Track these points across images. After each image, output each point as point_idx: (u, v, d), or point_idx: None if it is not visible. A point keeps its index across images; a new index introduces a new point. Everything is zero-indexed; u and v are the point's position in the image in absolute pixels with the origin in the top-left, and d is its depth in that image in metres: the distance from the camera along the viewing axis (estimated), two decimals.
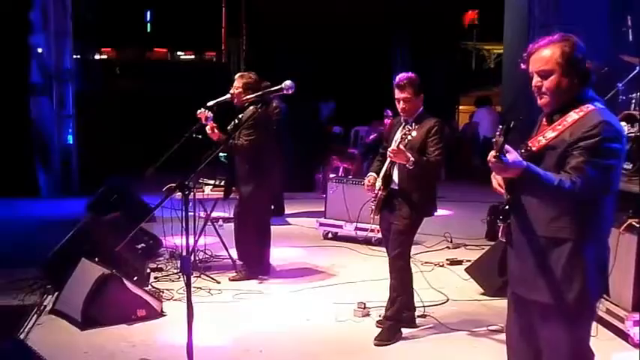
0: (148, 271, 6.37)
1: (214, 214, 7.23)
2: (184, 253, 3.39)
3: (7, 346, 4.17)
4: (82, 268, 5.32)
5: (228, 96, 6.31)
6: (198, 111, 6.17)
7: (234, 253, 6.66)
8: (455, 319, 5.34)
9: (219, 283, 6.26)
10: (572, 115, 2.76)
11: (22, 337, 4.80)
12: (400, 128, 4.85)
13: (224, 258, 6.92)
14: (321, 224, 8.37)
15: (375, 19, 15.00)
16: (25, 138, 11.26)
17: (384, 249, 5.51)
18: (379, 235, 7.21)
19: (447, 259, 7.09)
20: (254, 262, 6.46)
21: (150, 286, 5.94)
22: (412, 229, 4.90)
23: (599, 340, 4.60)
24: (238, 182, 6.40)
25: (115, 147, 12.10)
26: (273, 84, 4.48)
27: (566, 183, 2.65)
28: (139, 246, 6.54)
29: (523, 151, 2.80)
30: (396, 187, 4.84)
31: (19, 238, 7.83)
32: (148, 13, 19.75)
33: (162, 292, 5.83)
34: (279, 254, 7.19)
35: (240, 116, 6.21)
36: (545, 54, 2.79)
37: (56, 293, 5.51)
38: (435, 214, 5.06)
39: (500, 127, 2.66)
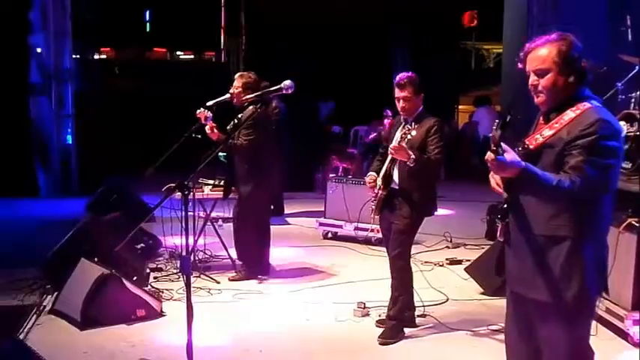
0: (148, 271, 6.37)
1: (214, 214, 7.22)
2: (184, 253, 3.39)
3: (7, 346, 4.17)
4: (82, 268, 5.32)
5: (227, 96, 6.31)
6: (198, 111, 6.17)
7: (233, 253, 6.66)
8: (455, 318, 5.34)
9: (218, 283, 6.26)
10: (569, 114, 2.77)
11: (21, 337, 4.80)
12: (400, 127, 4.86)
13: (224, 258, 6.92)
14: (321, 224, 8.37)
15: (375, 19, 14.99)
16: (24, 138, 11.26)
17: (383, 249, 5.52)
18: (379, 235, 7.21)
19: (446, 259, 7.09)
20: (254, 262, 6.46)
21: (149, 286, 5.94)
22: (413, 229, 4.90)
23: (599, 339, 4.61)
24: (238, 182, 6.40)
25: (115, 147, 12.09)
26: (272, 84, 4.48)
27: (565, 183, 2.66)
28: (139, 246, 6.54)
29: (520, 149, 2.81)
30: (397, 187, 4.85)
31: (19, 238, 7.83)
32: (147, 13, 19.72)
33: (162, 292, 5.83)
34: (278, 254, 7.19)
35: (239, 116, 6.22)
36: (542, 53, 2.81)
37: (56, 293, 5.51)
38: (435, 213, 5.06)
39: (497, 121, 2.68)
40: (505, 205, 2.91)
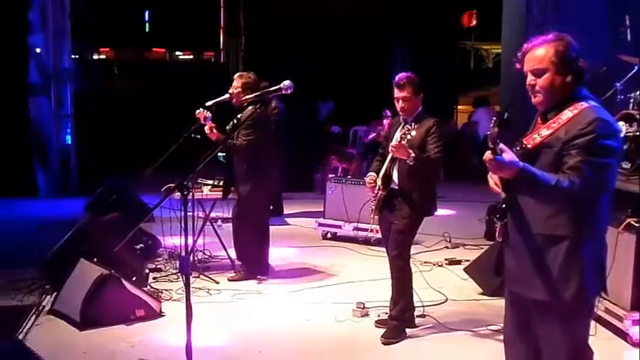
0: (147, 271, 6.37)
1: (213, 215, 7.22)
2: (183, 254, 3.39)
3: (6, 346, 4.17)
4: (81, 269, 5.32)
5: (226, 96, 6.31)
6: (197, 111, 6.17)
7: (232, 254, 6.66)
8: (454, 318, 5.34)
9: (218, 283, 6.26)
10: (567, 113, 2.78)
11: (20, 337, 4.79)
12: (400, 128, 4.86)
13: (223, 258, 6.92)
14: (320, 224, 8.37)
15: (374, 19, 14.99)
16: (23, 138, 11.25)
17: (383, 249, 5.52)
18: (378, 235, 7.20)
19: (445, 259, 7.09)
20: (253, 262, 6.46)
21: (149, 287, 5.94)
22: (412, 229, 4.90)
23: (598, 339, 4.62)
24: (237, 182, 6.40)
25: (114, 147, 12.08)
26: (271, 84, 4.48)
27: (564, 183, 2.66)
28: (138, 246, 6.53)
29: (518, 148, 2.82)
30: (396, 187, 4.85)
31: (18, 238, 7.82)
32: (147, 13, 19.74)
33: (161, 293, 5.82)
34: (277, 254, 7.19)
35: (238, 116, 6.22)
36: (539, 53, 2.82)
37: (55, 293, 5.51)
38: (435, 213, 5.07)
39: (494, 118, 2.68)
40: (504, 206, 2.91)
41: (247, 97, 5.95)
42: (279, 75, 4.60)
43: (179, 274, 6.20)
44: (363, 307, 5.39)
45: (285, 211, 9.86)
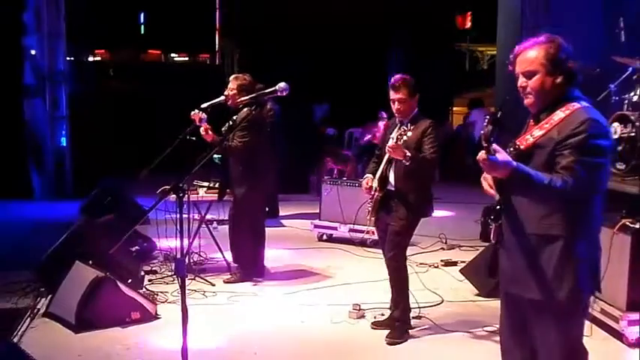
0: (143, 273, 6.35)
1: (209, 217, 7.21)
2: (179, 256, 3.39)
3: (1, 349, 4.16)
4: (76, 271, 5.30)
5: (222, 98, 6.31)
6: (192, 112, 6.17)
7: (228, 256, 6.65)
8: (450, 320, 5.34)
9: (213, 285, 6.25)
10: (559, 114, 2.81)
11: (15, 340, 4.78)
12: (396, 129, 4.86)
13: (218, 260, 6.91)
14: (316, 226, 8.37)
15: (369, 21, 15.00)
16: (18, 140, 11.22)
17: (378, 250, 5.52)
18: (374, 237, 7.20)
19: (441, 260, 7.09)
20: (248, 264, 6.45)
21: (144, 289, 5.92)
22: (409, 230, 4.91)
23: (594, 339, 4.63)
24: (232, 184, 6.40)
25: (109, 149, 12.08)
26: (267, 86, 4.48)
27: (557, 182, 2.68)
28: (133, 248, 6.52)
29: (511, 149, 2.85)
30: (392, 188, 4.85)
31: (13, 241, 7.80)
32: (142, 15, 19.72)
33: (157, 295, 5.81)
34: (273, 256, 7.18)
35: (234, 118, 6.21)
36: (530, 55, 2.86)
37: (50, 296, 5.49)
38: (432, 214, 5.08)
39: (488, 117, 2.70)
40: (498, 207, 2.92)
41: (243, 98, 5.93)
42: (274, 77, 4.60)
43: (175, 276, 6.18)
44: (359, 309, 5.38)
45: (281, 213, 9.86)
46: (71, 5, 11.80)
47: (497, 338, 3.28)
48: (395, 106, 4.87)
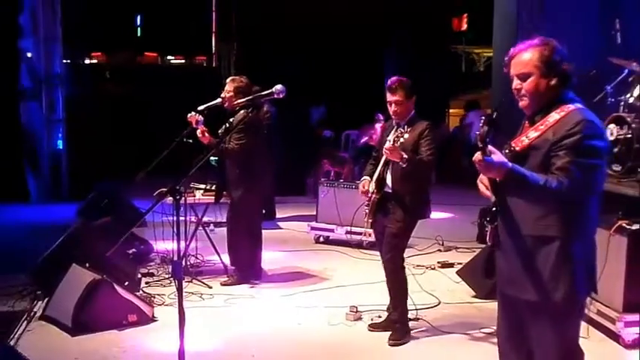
0: (139, 276, 6.35)
1: (205, 219, 7.21)
2: (176, 258, 3.38)
3: None
4: (73, 274, 5.29)
5: (219, 100, 6.31)
6: (189, 115, 6.17)
7: (225, 258, 6.64)
8: (447, 321, 5.35)
9: (210, 287, 6.24)
10: (554, 115, 2.82)
11: (12, 343, 4.77)
12: (392, 131, 4.86)
13: (215, 263, 6.91)
14: (313, 228, 8.36)
15: (366, 23, 15.02)
16: (14, 143, 11.20)
17: (375, 252, 5.53)
18: (371, 239, 7.20)
19: (438, 262, 7.10)
20: (245, 267, 6.45)
21: (141, 292, 5.92)
22: (406, 232, 4.91)
23: (590, 341, 4.65)
24: (229, 186, 6.39)
25: (106, 151, 12.06)
26: (263, 88, 4.48)
27: (552, 183, 2.70)
28: (130, 251, 6.52)
29: (507, 151, 2.86)
30: (390, 190, 4.86)
31: (9, 244, 7.78)
32: (138, 18, 19.71)
33: (154, 297, 5.80)
34: (270, 258, 7.18)
35: (230, 120, 6.21)
36: (525, 57, 2.88)
37: (46, 299, 5.48)
38: (430, 216, 5.08)
39: (483, 117, 2.71)
40: (494, 209, 2.93)
41: (239, 101, 5.93)
42: (271, 79, 4.60)
43: (171, 278, 6.18)
44: (356, 311, 5.38)
45: (278, 215, 9.85)
46: (67, 8, 11.79)
47: (495, 340, 3.28)
48: (392, 108, 4.88)
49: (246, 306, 5.83)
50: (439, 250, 7.79)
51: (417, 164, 4.69)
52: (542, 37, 2.92)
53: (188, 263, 6.66)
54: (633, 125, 6.00)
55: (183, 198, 5.61)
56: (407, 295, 5.04)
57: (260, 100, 4.60)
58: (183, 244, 5.93)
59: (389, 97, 4.86)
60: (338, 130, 14.29)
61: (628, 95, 6.45)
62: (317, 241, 8.35)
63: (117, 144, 12.74)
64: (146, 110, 14.53)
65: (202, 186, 6.93)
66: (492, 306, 3.36)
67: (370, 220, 4.96)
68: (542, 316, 2.88)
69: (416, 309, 5.33)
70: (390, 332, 4.98)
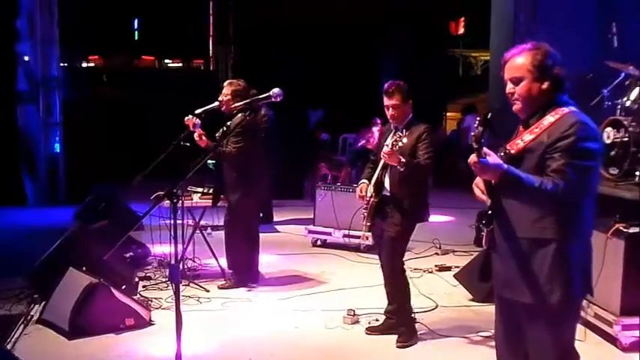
0: (137, 279, 6.34)
1: (203, 222, 7.20)
2: (173, 262, 3.38)
3: None
4: (70, 277, 5.29)
5: (216, 103, 6.31)
6: (186, 118, 6.17)
7: (223, 262, 6.64)
8: (444, 325, 5.35)
9: (208, 291, 6.23)
10: (549, 118, 2.84)
11: (9, 347, 4.76)
12: (391, 135, 4.87)
13: (213, 266, 6.90)
14: (310, 231, 8.36)
15: (363, 27, 15.03)
16: (11, 146, 11.19)
17: (373, 256, 5.53)
18: (368, 242, 7.21)
19: (435, 266, 7.10)
20: (243, 270, 6.45)
21: (138, 295, 5.91)
22: (404, 236, 4.91)
23: (587, 344, 4.65)
24: (226, 190, 6.39)
25: (103, 155, 12.05)
26: (261, 92, 4.49)
27: (548, 185, 2.71)
28: (127, 254, 6.51)
29: (502, 154, 2.88)
30: (388, 194, 4.86)
31: (5, 247, 7.77)
32: (136, 21, 19.72)
33: (151, 301, 5.80)
34: (267, 262, 7.18)
35: (228, 123, 6.21)
36: (518, 62, 2.90)
37: (43, 303, 5.47)
38: (429, 219, 5.09)
39: (478, 119, 2.73)
40: (489, 212, 2.94)
41: (237, 104, 5.94)
42: (268, 82, 4.61)
43: (169, 282, 6.17)
44: (354, 315, 5.38)
45: (275, 219, 9.85)
46: (65, 11, 11.80)
47: (492, 343, 3.28)
48: (389, 112, 4.88)
49: (243, 309, 5.82)
50: (436, 254, 7.79)
51: (414, 168, 4.70)
52: (534, 42, 2.95)
53: (185, 267, 6.65)
54: (630, 129, 6.01)
55: (180, 201, 5.60)
56: (409, 297, 5.05)
57: (257, 103, 4.61)
58: (180, 247, 5.92)
59: (386, 101, 4.86)
60: (335, 134, 14.30)
61: (625, 99, 6.46)
62: (314, 244, 8.35)
63: (114, 147, 12.74)
64: (143, 114, 14.54)
65: (200, 189, 6.93)
66: (490, 309, 3.37)
67: (368, 224, 4.96)
68: (538, 319, 2.89)
69: (413, 312, 5.32)
70: (397, 335, 4.98)
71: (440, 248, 7.94)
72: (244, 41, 15.71)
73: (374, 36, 15.61)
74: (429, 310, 5.71)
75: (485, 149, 2.69)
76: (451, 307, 5.85)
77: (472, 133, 2.70)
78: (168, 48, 18.96)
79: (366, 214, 4.93)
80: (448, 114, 18.39)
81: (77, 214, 8.22)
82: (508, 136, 3.03)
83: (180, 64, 19.72)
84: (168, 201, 3.27)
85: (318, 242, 8.35)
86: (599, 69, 6.97)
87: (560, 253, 2.81)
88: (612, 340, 4.79)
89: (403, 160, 4.59)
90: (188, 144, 6.08)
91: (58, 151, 11.81)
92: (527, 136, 2.86)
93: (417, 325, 5.25)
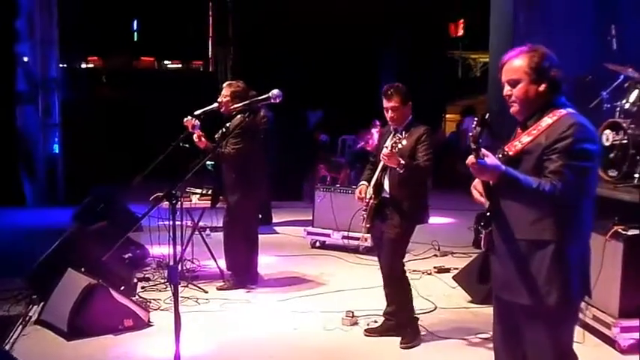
0: (135, 280, 6.34)
1: (201, 224, 7.20)
2: (172, 263, 3.38)
3: None
4: (68, 278, 5.28)
5: (215, 105, 6.31)
6: (185, 119, 6.17)
7: (222, 263, 6.63)
8: (443, 327, 5.34)
9: (206, 292, 6.23)
10: (546, 120, 2.85)
11: (7, 348, 4.75)
12: (390, 137, 4.87)
13: (211, 267, 6.89)
14: (309, 233, 8.36)
15: (362, 30, 15.05)
16: (10, 147, 11.19)
17: (371, 257, 5.53)
18: (367, 244, 7.21)
19: (434, 267, 7.10)
20: (241, 271, 6.44)
21: (137, 296, 5.90)
22: (404, 238, 4.91)
23: (586, 346, 4.65)
24: (225, 191, 6.39)
25: (102, 156, 12.06)
26: (260, 93, 4.49)
27: (546, 186, 2.71)
28: (126, 256, 6.50)
29: (500, 156, 2.89)
30: (387, 196, 4.86)
31: (4, 248, 7.76)
32: (135, 22, 19.73)
33: (150, 302, 5.79)
34: (266, 263, 7.18)
35: (227, 125, 6.21)
36: (515, 64, 2.92)
37: (42, 303, 5.47)
38: (429, 221, 5.09)
39: (476, 119, 2.73)
40: (488, 214, 2.94)
41: (236, 105, 5.94)
42: (267, 84, 4.61)
43: (167, 283, 6.16)
44: (352, 316, 5.38)
45: (274, 220, 9.85)
46: (64, 12, 11.81)
47: (491, 345, 3.28)
48: (388, 115, 4.88)
49: (242, 311, 5.82)
50: (435, 256, 7.79)
51: (414, 170, 4.70)
52: (531, 44, 2.96)
53: (184, 268, 6.64)
54: (629, 131, 6.01)
55: (179, 202, 5.60)
56: (411, 299, 5.06)
57: (257, 104, 4.61)
58: (179, 248, 5.92)
59: (385, 103, 4.86)
60: (334, 135, 14.31)
61: (624, 101, 6.46)
62: (313, 245, 8.35)
63: (113, 148, 12.75)
64: (142, 115, 14.55)
65: (199, 190, 6.93)
66: (488, 311, 3.37)
67: (368, 226, 4.96)
68: (536, 320, 2.89)
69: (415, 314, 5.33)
70: (401, 337, 4.99)
71: (439, 250, 7.94)
72: (243, 42, 15.73)
73: (373, 37, 15.63)
74: (428, 312, 5.70)
75: (483, 150, 2.70)
76: (450, 309, 5.84)
77: (470, 134, 2.70)
78: (168, 49, 19.00)
79: (365, 215, 4.93)
80: (447, 116, 18.42)
81: (76, 215, 8.23)
82: (506, 138, 3.03)
83: (180, 65, 19.74)
84: (167, 202, 3.27)
85: (317, 244, 8.35)
86: (598, 71, 6.97)
87: (558, 255, 2.81)
88: (611, 342, 4.79)
89: (403, 162, 4.59)
90: (187, 145, 6.08)
91: (57, 151, 11.82)
92: (525, 138, 2.87)
93: None
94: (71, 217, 8.25)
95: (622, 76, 6.62)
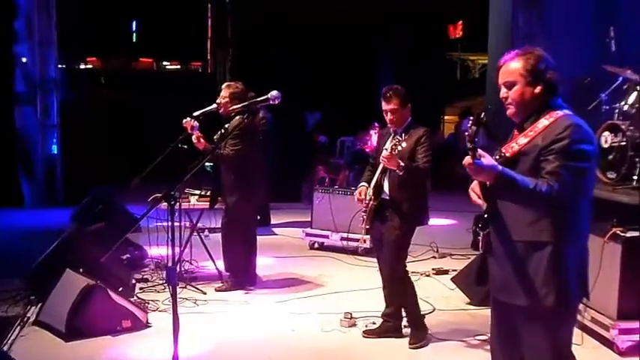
0: (134, 281, 6.33)
1: (200, 225, 7.20)
2: (170, 264, 3.38)
3: None
4: (67, 279, 5.28)
5: (214, 106, 6.30)
6: (184, 120, 6.16)
7: (220, 264, 6.63)
8: (442, 328, 5.34)
9: (205, 293, 6.23)
10: (543, 122, 2.86)
11: (5, 348, 4.74)
12: (390, 138, 4.87)
13: (210, 268, 6.89)
14: (308, 234, 8.36)
15: (361, 31, 15.07)
16: (9, 147, 11.19)
17: (370, 259, 5.53)
18: (365, 245, 7.20)
19: (432, 269, 7.09)
20: (240, 273, 6.44)
21: (135, 297, 5.90)
22: (404, 239, 4.91)
23: (584, 348, 4.65)
24: (224, 192, 6.39)
25: (100, 157, 12.06)
26: (259, 94, 4.49)
27: (542, 187, 2.72)
28: (125, 256, 6.50)
29: (497, 157, 2.89)
30: (387, 197, 4.86)
31: (3, 249, 7.76)
32: (134, 23, 19.74)
33: (148, 303, 5.79)
34: (265, 264, 7.17)
35: (226, 126, 6.21)
36: (511, 66, 2.93)
37: (40, 304, 5.46)
38: (429, 223, 5.09)
39: (471, 118, 2.74)
40: (485, 216, 2.94)
41: (235, 107, 5.93)
42: (266, 85, 4.61)
43: (166, 284, 6.16)
44: (351, 317, 5.38)
45: (273, 221, 9.85)
46: (63, 13, 11.80)
47: (489, 347, 3.28)
48: (388, 117, 4.88)
49: (240, 312, 5.81)
50: (434, 257, 7.79)
51: (413, 171, 4.70)
52: (527, 47, 2.97)
53: (182, 269, 6.64)
54: (628, 133, 6.01)
55: (177, 203, 5.60)
56: (415, 299, 5.06)
57: (256, 106, 4.61)
58: (177, 249, 5.91)
59: (384, 105, 4.86)
60: (333, 136, 14.32)
61: (622, 103, 6.47)
62: (312, 247, 8.35)
63: (112, 149, 12.75)
64: (141, 115, 14.55)
65: (197, 192, 6.94)
66: (487, 313, 3.36)
67: (367, 227, 4.96)
68: (534, 322, 2.89)
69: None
70: (409, 337, 5.00)
71: (437, 252, 7.94)
72: (242, 43, 15.71)
73: (372, 39, 15.65)
74: (427, 314, 5.67)
75: (479, 151, 2.70)
76: (448, 311, 5.84)
77: (466, 133, 2.71)
78: (167, 50, 19.02)
79: (365, 216, 4.93)
80: (446, 117, 18.44)
81: (74, 215, 8.23)
82: (503, 139, 3.04)
83: (179, 67, 19.76)
84: (165, 203, 3.27)
85: (316, 245, 8.34)
86: (596, 73, 6.98)
87: (556, 256, 2.81)
88: (609, 344, 4.79)
89: (402, 164, 4.59)
90: (186, 146, 6.08)
91: (56, 152, 11.81)
92: (522, 140, 2.87)
93: None
94: (70, 217, 8.26)
95: (621, 78, 6.62)
